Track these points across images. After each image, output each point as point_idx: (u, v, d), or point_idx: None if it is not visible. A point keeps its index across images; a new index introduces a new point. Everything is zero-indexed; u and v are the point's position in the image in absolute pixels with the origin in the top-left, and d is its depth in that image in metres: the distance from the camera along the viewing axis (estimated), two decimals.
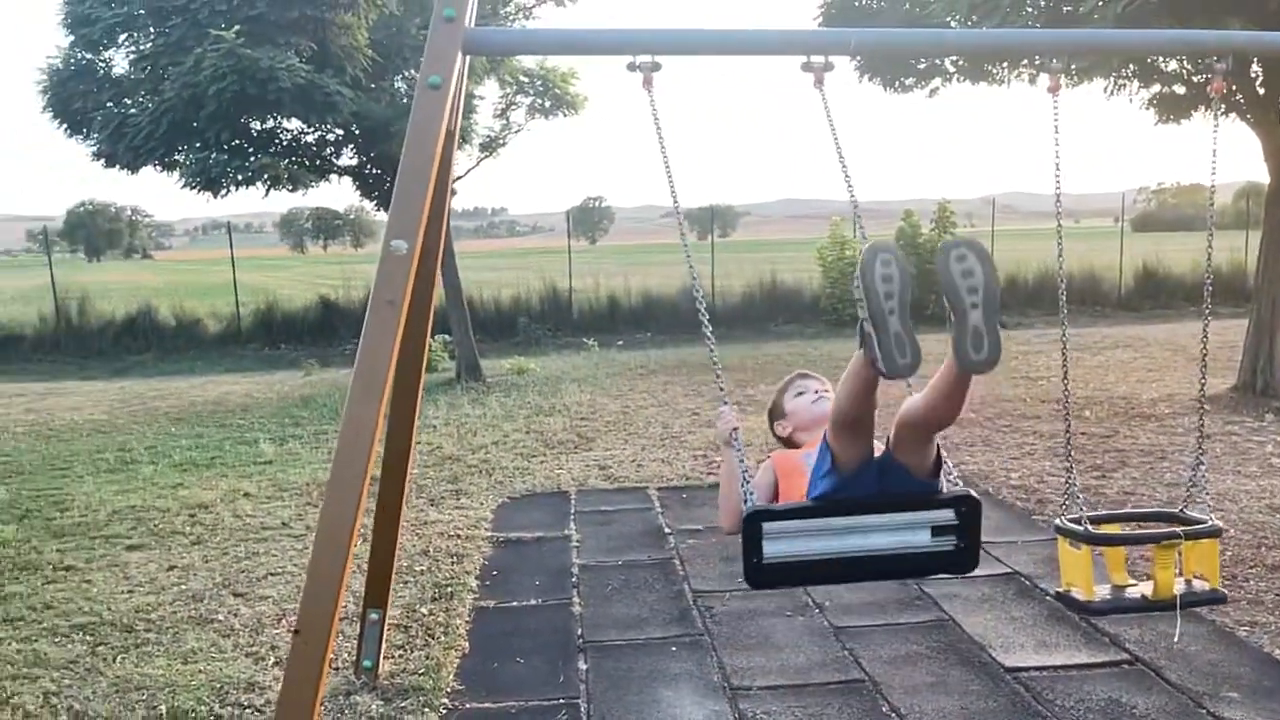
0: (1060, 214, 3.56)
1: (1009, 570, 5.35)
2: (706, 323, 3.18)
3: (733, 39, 3.22)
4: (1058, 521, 3.40)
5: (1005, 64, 11.03)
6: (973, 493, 2.66)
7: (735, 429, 2.92)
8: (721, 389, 3.14)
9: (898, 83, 12.01)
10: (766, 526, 2.52)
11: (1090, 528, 3.31)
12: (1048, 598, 4.85)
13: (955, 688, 4.02)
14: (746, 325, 19.17)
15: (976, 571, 5.18)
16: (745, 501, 2.62)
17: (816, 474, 2.67)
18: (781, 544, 2.52)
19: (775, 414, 3.30)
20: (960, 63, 11.12)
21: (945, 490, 2.68)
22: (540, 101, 13.45)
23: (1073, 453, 3.57)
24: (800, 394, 3.25)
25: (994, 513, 6.40)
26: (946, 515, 2.61)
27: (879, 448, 2.66)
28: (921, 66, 11.57)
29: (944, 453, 2.69)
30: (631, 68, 3.29)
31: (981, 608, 4.84)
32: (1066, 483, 3.48)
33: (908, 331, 2.46)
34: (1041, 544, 5.66)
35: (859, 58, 11.33)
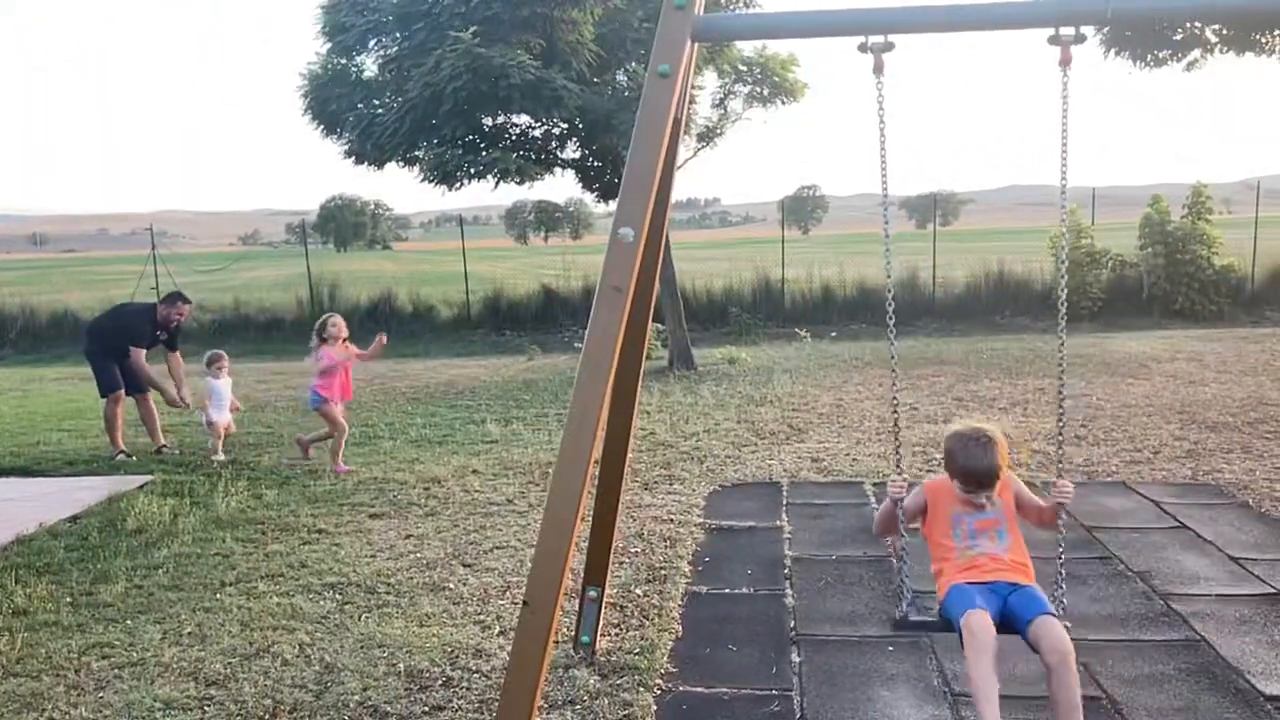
0: None
1: (1273, 590, 4.82)
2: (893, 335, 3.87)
3: (976, 12, 3.05)
4: None
5: (1277, 32, 9.94)
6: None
7: (901, 498, 3.49)
8: (898, 452, 3.71)
9: (1150, 56, 11.05)
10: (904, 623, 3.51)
11: None
12: None
13: (1207, 714, 3.67)
14: (970, 318, 18.33)
15: (1233, 590, 4.77)
16: (903, 535, 3.55)
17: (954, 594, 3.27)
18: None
19: (946, 465, 3.50)
20: (1225, 31, 10.09)
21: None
22: (759, 89, 13.37)
23: None
24: (968, 490, 3.39)
25: (1255, 527, 5.81)
26: None
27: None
28: (1178, 38, 10.59)
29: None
30: (863, 49, 3.20)
31: (1239, 630, 4.40)
32: None
33: None
34: None
35: (1104, 31, 10.54)
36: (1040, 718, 3.68)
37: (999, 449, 3.35)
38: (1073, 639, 4.19)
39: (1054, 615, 3.18)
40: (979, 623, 3.07)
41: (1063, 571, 3.46)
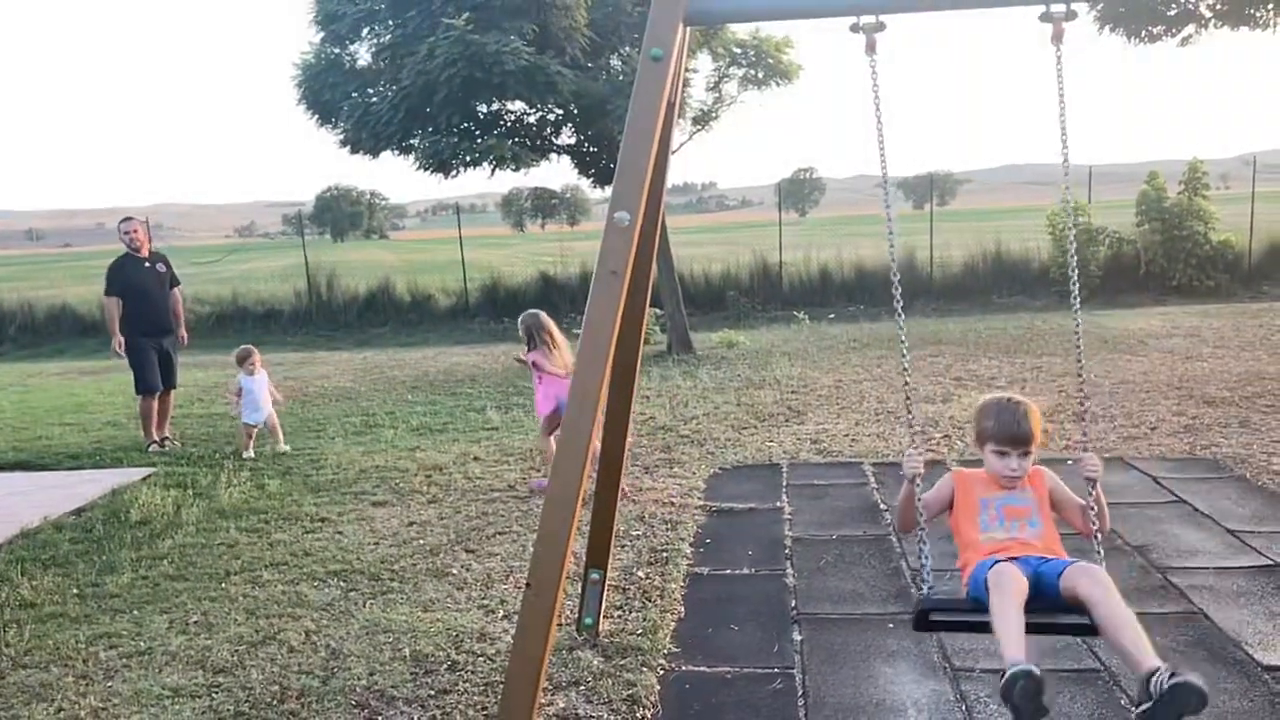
0: None
1: (1270, 562, 4.86)
2: (900, 314, 3.37)
3: None
4: None
5: (1270, 5, 9.91)
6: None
7: (919, 473, 3.12)
8: (913, 426, 3.35)
9: (1144, 32, 11.02)
10: (933, 617, 2.99)
11: None
12: None
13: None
14: (968, 297, 18.35)
15: (1231, 563, 4.81)
16: (921, 526, 3.12)
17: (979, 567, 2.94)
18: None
19: (977, 436, 3.18)
20: (1219, 6, 10.07)
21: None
22: (753, 72, 13.34)
23: None
24: (1001, 455, 3.06)
25: (1252, 500, 5.84)
26: None
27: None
28: (1172, 13, 10.57)
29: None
30: (855, 29, 3.21)
31: (1237, 601, 4.44)
32: None
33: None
34: None
35: (1099, 6, 10.52)
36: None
37: (1033, 415, 3.05)
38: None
39: (1077, 561, 2.87)
40: (1008, 569, 2.80)
41: (1099, 550, 3.03)
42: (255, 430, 8.29)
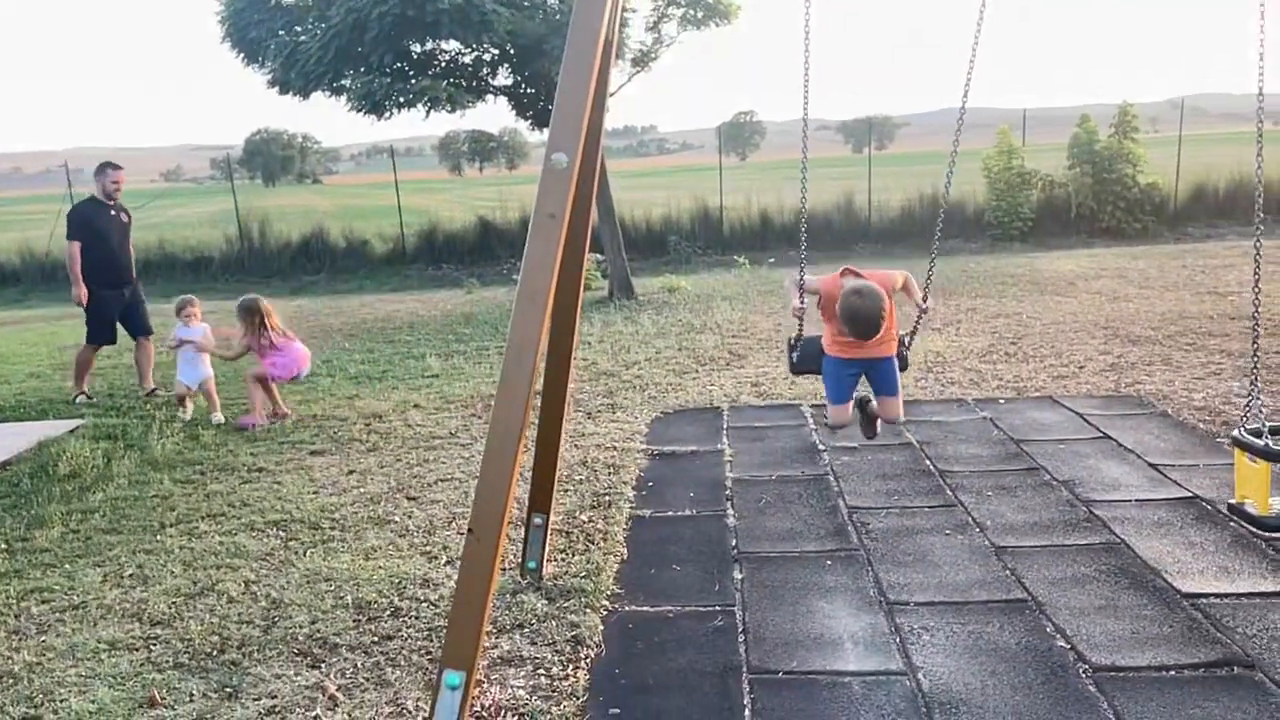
0: (1262, 116, 3.34)
1: (1188, 494, 5.06)
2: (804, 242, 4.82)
3: None
4: (1235, 433, 3.61)
5: None
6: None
7: (801, 309, 4.75)
8: (802, 271, 4.71)
9: None
10: (797, 365, 5.09)
11: (1271, 441, 3.30)
12: (1231, 523, 4.58)
13: (1126, 612, 3.87)
14: (905, 241, 18.56)
15: (1152, 495, 4.99)
16: (801, 301, 4.77)
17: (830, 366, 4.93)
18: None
19: (841, 315, 4.48)
20: None
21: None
22: (692, 12, 13.17)
23: (1259, 368, 3.73)
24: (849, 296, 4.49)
25: (1173, 435, 6.06)
26: None
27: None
28: None
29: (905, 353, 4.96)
30: None
31: (1157, 532, 4.62)
32: (1249, 395, 3.80)
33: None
34: (1226, 468, 5.31)
35: None
36: (968, 619, 3.86)
37: (882, 320, 4.37)
38: (998, 546, 4.42)
39: (895, 395, 4.80)
40: (837, 418, 4.92)
41: (909, 342, 4.99)
42: (191, 392, 7.77)
